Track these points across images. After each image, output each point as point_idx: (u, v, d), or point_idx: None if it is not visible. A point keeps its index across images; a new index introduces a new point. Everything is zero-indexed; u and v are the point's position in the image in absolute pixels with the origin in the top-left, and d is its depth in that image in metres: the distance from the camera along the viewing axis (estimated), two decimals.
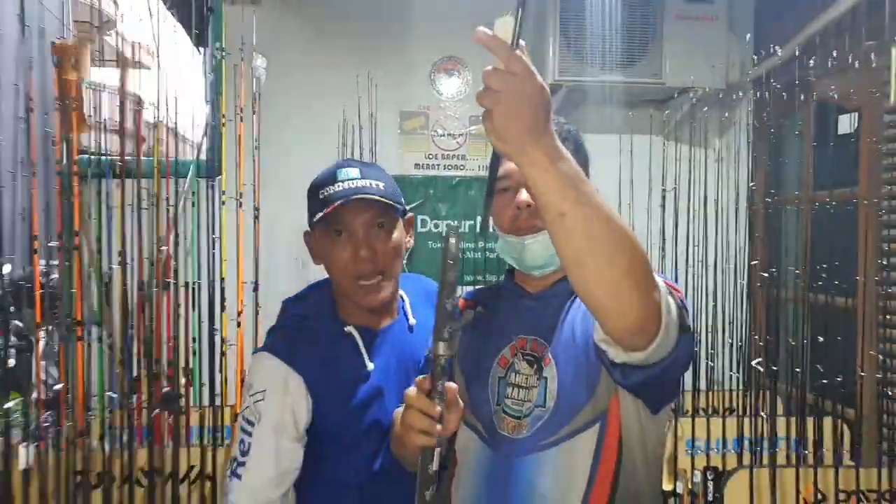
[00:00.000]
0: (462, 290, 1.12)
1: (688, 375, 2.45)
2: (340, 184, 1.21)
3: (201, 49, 3.09)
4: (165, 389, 1.75)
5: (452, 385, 0.94)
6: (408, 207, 1.33)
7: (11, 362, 1.80)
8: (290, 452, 1.19)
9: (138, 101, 2.39)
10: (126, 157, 2.07)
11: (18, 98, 1.88)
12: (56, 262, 2.17)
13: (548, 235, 1.02)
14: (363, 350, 1.26)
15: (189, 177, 2.29)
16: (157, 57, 2.30)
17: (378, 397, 1.25)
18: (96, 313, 1.88)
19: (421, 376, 0.95)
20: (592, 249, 0.82)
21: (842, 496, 1.78)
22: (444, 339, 0.89)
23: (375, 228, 1.22)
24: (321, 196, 1.21)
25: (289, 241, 2.62)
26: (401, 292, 1.34)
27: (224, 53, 2.20)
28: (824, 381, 1.98)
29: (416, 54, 3.10)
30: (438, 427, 0.91)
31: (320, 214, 1.20)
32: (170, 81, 2.26)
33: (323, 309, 1.29)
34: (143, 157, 2.12)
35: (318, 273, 1.32)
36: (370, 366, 1.25)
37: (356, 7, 3.06)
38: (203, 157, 2.76)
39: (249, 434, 1.18)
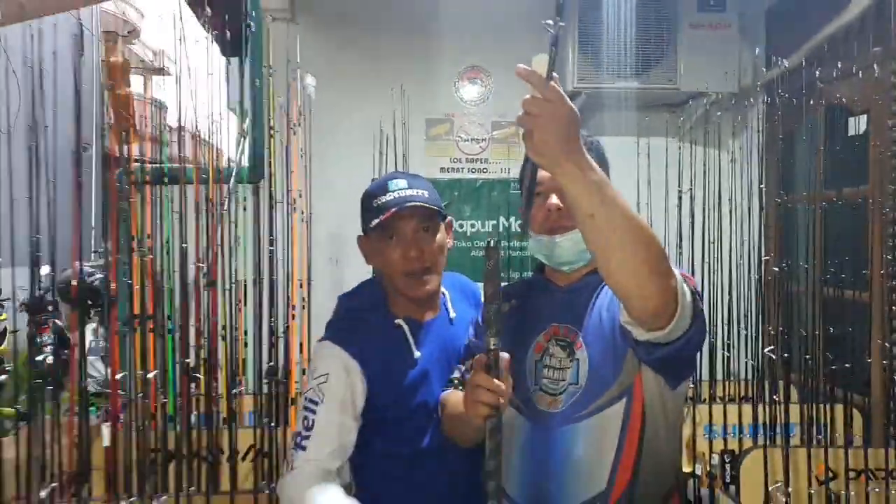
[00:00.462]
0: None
1: (705, 365, 2.58)
2: (391, 194, 1.37)
3: (230, 59, 3.27)
4: (269, 364, 1.92)
5: (505, 355, 1.08)
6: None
7: (49, 359, 1.98)
8: (349, 429, 1.35)
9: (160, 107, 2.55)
10: (172, 164, 2.25)
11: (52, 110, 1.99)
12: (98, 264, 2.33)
13: (576, 234, 1.19)
14: (411, 340, 1.41)
15: (231, 182, 2.45)
16: (178, 63, 2.44)
17: (424, 381, 1.40)
18: (168, 308, 2.04)
19: (480, 354, 1.10)
20: (617, 243, 0.98)
21: (851, 474, 1.91)
22: (494, 335, 1.04)
23: (422, 231, 1.38)
24: (375, 205, 1.37)
25: (324, 242, 2.79)
26: (442, 289, 1.49)
27: (272, 71, 2.36)
28: (833, 367, 2.11)
29: (441, 64, 3.26)
30: (501, 401, 1.06)
31: (376, 221, 1.35)
32: (199, 90, 2.43)
33: (375, 304, 1.45)
34: (188, 165, 2.31)
35: (349, 271, 1.48)
36: (417, 354, 1.41)
37: (385, 22, 3.24)
38: (245, 164, 2.95)
39: (313, 412, 1.34)
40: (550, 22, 0.97)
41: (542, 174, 1.24)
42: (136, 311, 2.07)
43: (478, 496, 1.11)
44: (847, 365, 2.08)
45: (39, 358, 2.01)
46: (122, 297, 2.36)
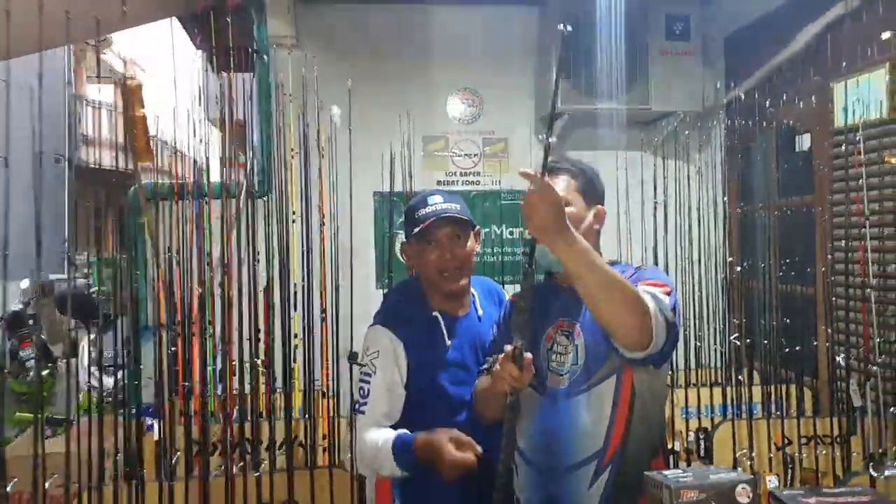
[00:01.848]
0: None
1: (681, 354, 2.93)
2: (430, 207, 1.66)
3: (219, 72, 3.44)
4: (350, 351, 2.19)
5: (528, 355, 1.38)
6: None
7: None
8: (397, 396, 1.65)
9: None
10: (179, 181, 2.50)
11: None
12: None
13: None
14: (444, 330, 1.70)
15: (242, 197, 2.69)
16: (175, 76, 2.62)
17: (454, 366, 1.69)
18: (206, 314, 2.29)
19: (508, 347, 1.38)
20: (599, 295, 1.31)
21: (803, 440, 2.26)
22: (520, 338, 1.35)
23: (455, 238, 1.67)
24: (416, 216, 1.67)
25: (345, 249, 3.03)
26: (472, 289, 1.78)
27: (290, 98, 2.63)
28: (787, 351, 2.47)
29: (436, 87, 3.57)
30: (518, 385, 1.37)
31: (417, 229, 1.65)
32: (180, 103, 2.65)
33: (416, 298, 1.74)
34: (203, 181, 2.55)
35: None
36: (448, 342, 1.69)
37: (384, 48, 3.53)
38: (254, 179, 3.20)
39: (368, 382, 1.64)
40: (552, 140, 1.27)
41: None
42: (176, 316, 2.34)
43: (488, 460, 1.42)
44: (798, 348, 2.44)
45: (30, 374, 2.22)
46: (142, 305, 2.60)
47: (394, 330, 1.66)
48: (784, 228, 2.75)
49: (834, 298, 2.40)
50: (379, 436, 1.59)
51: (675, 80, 3.38)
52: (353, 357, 2.08)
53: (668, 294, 1.40)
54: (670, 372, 2.78)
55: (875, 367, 1.88)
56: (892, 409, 1.83)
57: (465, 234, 1.69)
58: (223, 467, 2.03)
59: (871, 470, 1.72)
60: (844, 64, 2.51)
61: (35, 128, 1.77)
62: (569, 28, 1.33)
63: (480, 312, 1.77)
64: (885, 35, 2.12)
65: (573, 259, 1.28)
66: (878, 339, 1.92)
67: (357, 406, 1.64)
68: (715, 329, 2.92)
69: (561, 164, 1.55)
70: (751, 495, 0.98)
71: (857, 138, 2.16)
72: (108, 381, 3.55)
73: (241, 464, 2.05)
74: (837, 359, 2.11)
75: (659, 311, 1.33)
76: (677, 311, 1.43)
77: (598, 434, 1.45)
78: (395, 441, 1.55)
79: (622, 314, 1.30)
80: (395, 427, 1.63)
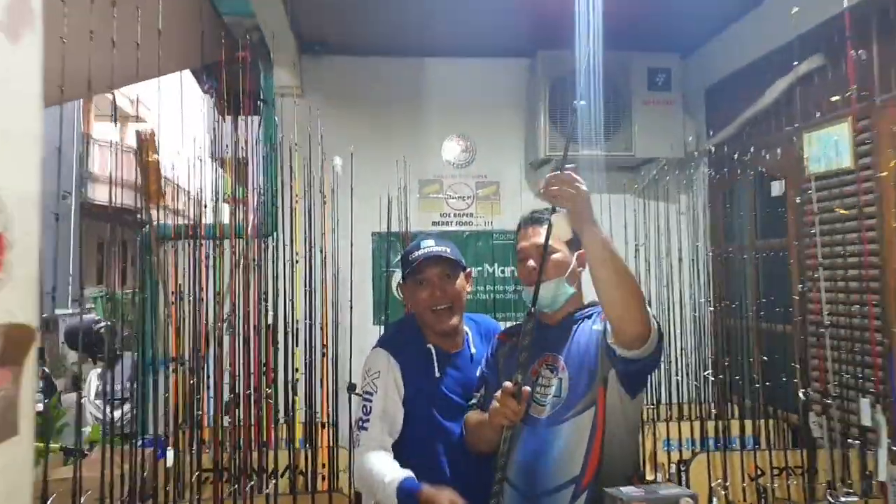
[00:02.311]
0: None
1: (663, 390, 3.07)
2: (422, 250, 1.84)
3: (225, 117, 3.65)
4: (349, 382, 2.34)
5: (527, 388, 1.54)
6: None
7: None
8: (397, 413, 1.79)
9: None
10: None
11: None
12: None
13: (547, 284, 1.64)
14: (435, 363, 1.85)
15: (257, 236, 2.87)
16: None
17: (443, 398, 1.83)
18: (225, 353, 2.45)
19: (508, 383, 1.53)
20: (617, 281, 1.47)
21: (775, 471, 2.39)
22: (522, 374, 1.50)
23: (445, 278, 1.84)
24: (410, 259, 1.85)
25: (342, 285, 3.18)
26: (466, 328, 1.93)
27: (296, 147, 2.83)
28: (758, 385, 2.61)
29: (431, 133, 3.78)
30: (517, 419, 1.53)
31: (409, 269, 1.82)
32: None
33: (412, 332, 1.90)
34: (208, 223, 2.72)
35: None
36: (437, 374, 1.85)
37: (383, 97, 3.75)
38: (258, 221, 3.38)
39: (371, 401, 1.79)
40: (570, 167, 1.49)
41: (521, 244, 1.73)
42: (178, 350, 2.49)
43: (473, 488, 1.57)
44: (767, 384, 2.59)
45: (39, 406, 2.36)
46: (149, 340, 2.75)
47: (393, 353, 1.83)
48: (763, 269, 2.92)
49: (802, 336, 2.55)
50: (385, 469, 1.69)
51: (657, 129, 3.58)
52: (351, 388, 2.23)
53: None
54: (652, 406, 2.93)
55: (829, 401, 2.02)
56: (849, 440, 1.97)
57: (454, 273, 1.85)
58: (232, 492, 2.15)
59: (829, 497, 1.85)
60: (819, 114, 2.70)
61: (47, 166, 1.96)
62: (582, 102, 1.54)
63: (473, 351, 1.92)
64: (835, 98, 2.30)
65: (601, 244, 1.46)
66: (832, 375, 2.06)
67: (360, 423, 1.79)
68: (695, 365, 3.07)
69: (545, 215, 1.70)
70: None
71: (811, 187, 2.34)
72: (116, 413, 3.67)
73: (250, 486, 2.18)
74: (800, 394, 2.25)
75: (652, 316, 1.49)
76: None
77: (577, 460, 1.58)
78: (402, 485, 1.65)
79: (631, 302, 1.45)
80: (394, 446, 1.77)
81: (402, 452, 1.79)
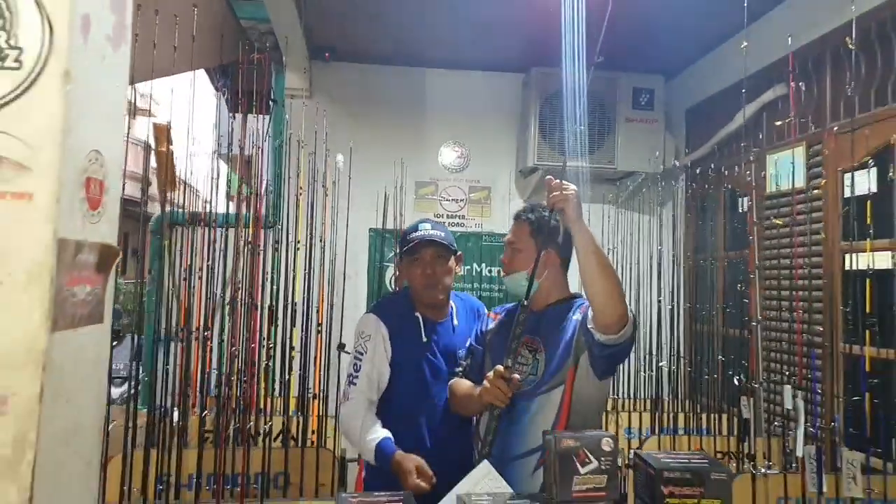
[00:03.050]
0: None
1: (631, 384, 3.32)
2: (419, 232, 2.08)
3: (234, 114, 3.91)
4: (339, 342, 2.59)
5: (517, 376, 1.75)
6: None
7: None
8: (384, 372, 2.03)
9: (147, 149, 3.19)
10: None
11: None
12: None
13: (515, 275, 1.89)
14: (422, 328, 2.09)
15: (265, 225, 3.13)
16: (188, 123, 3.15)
17: (426, 359, 2.07)
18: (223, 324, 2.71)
19: (500, 366, 1.71)
20: (602, 271, 1.63)
21: (719, 455, 2.65)
22: (511, 360, 1.72)
23: (436, 258, 2.07)
24: (407, 238, 2.09)
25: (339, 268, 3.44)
26: (452, 303, 2.18)
27: (302, 144, 3.10)
28: (706, 378, 2.88)
29: (428, 138, 4.06)
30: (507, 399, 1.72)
31: (406, 248, 2.07)
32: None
33: (403, 302, 2.14)
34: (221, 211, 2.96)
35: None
36: (424, 339, 2.08)
37: (383, 102, 4.03)
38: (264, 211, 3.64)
39: (360, 359, 2.03)
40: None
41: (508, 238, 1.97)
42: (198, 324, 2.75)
43: (448, 443, 1.85)
44: (716, 377, 2.86)
45: None
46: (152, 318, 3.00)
47: (382, 318, 2.07)
48: (728, 278, 3.19)
49: (747, 333, 2.83)
50: (368, 426, 1.96)
51: (638, 144, 3.86)
52: (341, 346, 2.49)
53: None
54: (615, 397, 3.19)
55: (757, 386, 2.28)
56: (775, 423, 2.22)
57: (445, 256, 2.08)
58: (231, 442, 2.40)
59: (751, 469, 2.10)
60: (777, 139, 2.98)
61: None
62: (582, 127, 1.81)
63: (456, 323, 2.16)
64: (779, 123, 2.57)
65: (589, 239, 1.65)
66: (760, 364, 2.32)
67: (350, 379, 2.03)
68: (656, 362, 3.33)
69: (523, 214, 1.94)
70: (612, 445, 1.37)
71: (769, 204, 2.61)
72: (115, 392, 3.91)
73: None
74: (734, 380, 2.50)
75: (629, 309, 1.67)
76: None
77: (546, 429, 1.72)
78: (380, 445, 1.91)
79: (613, 290, 1.63)
80: (381, 401, 2.04)
81: (388, 407, 2.04)
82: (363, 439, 1.95)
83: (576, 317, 1.81)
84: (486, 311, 2.23)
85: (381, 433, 1.95)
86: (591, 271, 1.63)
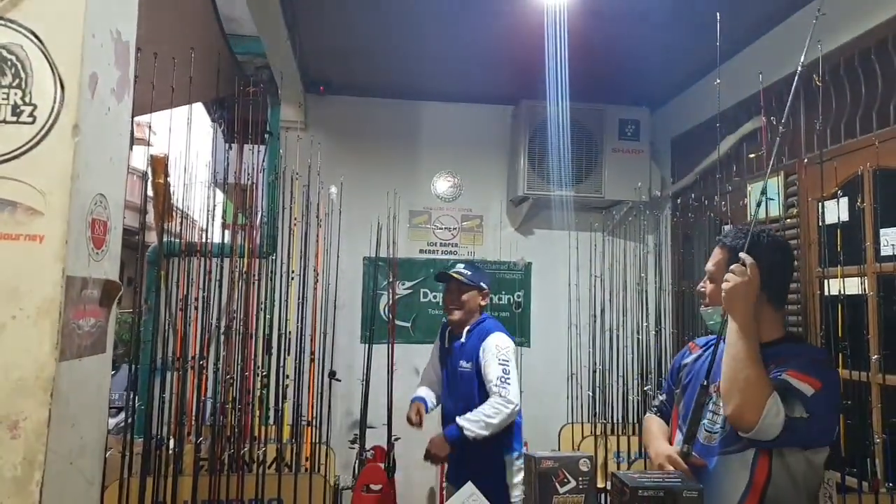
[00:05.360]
0: None
1: (620, 409, 3.38)
2: (451, 271, 2.81)
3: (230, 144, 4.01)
4: (330, 370, 2.65)
5: (696, 457, 1.53)
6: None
7: None
8: (436, 363, 3.01)
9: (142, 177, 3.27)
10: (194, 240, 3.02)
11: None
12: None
13: (708, 310, 1.64)
14: (446, 338, 2.88)
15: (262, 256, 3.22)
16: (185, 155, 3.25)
17: (443, 361, 2.88)
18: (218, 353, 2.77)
19: (675, 451, 1.54)
20: (739, 377, 1.40)
21: None
22: (688, 446, 1.78)
23: (457, 290, 2.77)
24: (440, 272, 2.64)
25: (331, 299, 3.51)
26: (468, 327, 2.77)
27: (297, 175, 3.19)
28: None
29: (421, 169, 4.16)
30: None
31: (438, 279, 2.68)
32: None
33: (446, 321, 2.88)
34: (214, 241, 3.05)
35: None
36: (446, 345, 2.89)
37: (378, 134, 4.14)
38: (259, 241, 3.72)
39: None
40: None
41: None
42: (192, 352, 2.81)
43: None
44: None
45: None
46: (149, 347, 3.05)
47: (441, 330, 2.99)
48: None
49: None
50: (420, 387, 2.97)
51: (625, 174, 3.96)
52: (332, 374, 2.56)
53: (818, 389, 1.40)
54: (605, 422, 3.24)
55: None
56: None
57: (465, 289, 2.78)
58: (227, 470, 2.46)
59: None
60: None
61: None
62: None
63: (463, 341, 2.78)
64: (752, 155, 2.68)
65: (734, 332, 1.44)
66: None
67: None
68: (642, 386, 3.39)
69: (725, 239, 1.69)
70: (589, 466, 1.44)
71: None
72: (111, 422, 3.93)
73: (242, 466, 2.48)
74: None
75: (781, 404, 1.36)
76: (821, 409, 1.40)
77: (732, 502, 1.48)
78: (415, 396, 2.89)
79: (743, 392, 1.37)
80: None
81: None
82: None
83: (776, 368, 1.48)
84: (495, 338, 2.64)
85: (420, 391, 2.92)
86: (738, 370, 1.41)
